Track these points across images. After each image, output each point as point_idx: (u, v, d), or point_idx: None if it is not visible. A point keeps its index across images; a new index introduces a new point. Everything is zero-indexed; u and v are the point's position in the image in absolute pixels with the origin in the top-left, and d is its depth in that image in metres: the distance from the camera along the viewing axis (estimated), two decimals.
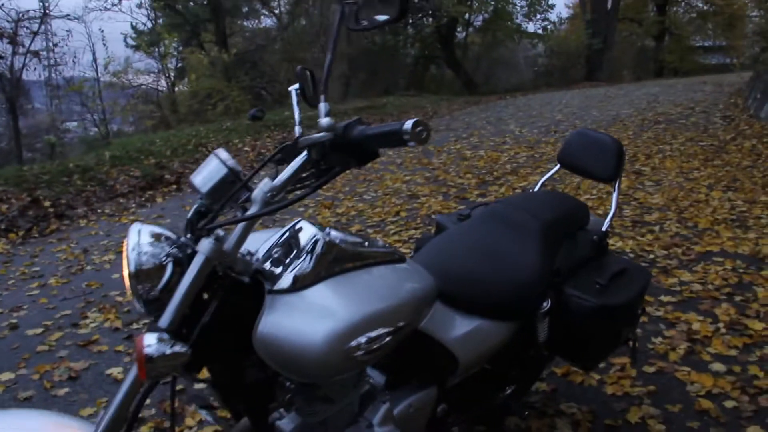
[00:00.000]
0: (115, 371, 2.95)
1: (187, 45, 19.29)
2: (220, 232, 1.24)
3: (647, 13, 26.96)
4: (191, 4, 21.60)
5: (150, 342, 1.10)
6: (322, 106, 1.27)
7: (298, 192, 1.29)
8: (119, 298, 3.84)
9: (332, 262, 1.35)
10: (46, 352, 3.21)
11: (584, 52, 23.17)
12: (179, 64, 20.61)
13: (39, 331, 3.45)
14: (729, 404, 2.42)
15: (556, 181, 6.01)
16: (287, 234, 1.39)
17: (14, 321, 3.59)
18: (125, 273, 1.22)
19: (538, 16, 23.41)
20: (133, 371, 1.18)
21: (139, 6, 22.53)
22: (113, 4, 19.36)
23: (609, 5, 23.76)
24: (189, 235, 1.29)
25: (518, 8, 23.07)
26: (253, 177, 1.32)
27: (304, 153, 1.25)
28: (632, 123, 9.76)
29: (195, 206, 1.32)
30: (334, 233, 1.36)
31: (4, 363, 3.10)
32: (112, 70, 16.56)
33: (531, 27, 23.71)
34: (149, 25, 21.85)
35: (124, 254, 1.22)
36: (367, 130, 1.18)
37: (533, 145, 8.52)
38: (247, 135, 10.55)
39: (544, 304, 1.84)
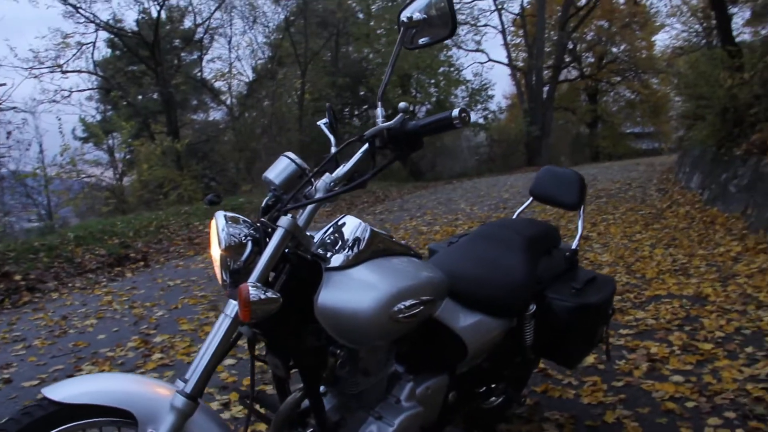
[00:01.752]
0: None
1: (138, 136, 19.54)
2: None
3: (580, 103, 28.80)
4: (140, 97, 22.11)
5: (251, 290, 1.36)
6: (379, 111, 1.61)
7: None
8: (110, 354, 3.97)
9: (372, 249, 1.65)
10: None
11: (523, 140, 24.36)
12: (128, 156, 20.76)
13: (35, 383, 3.53)
14: (690, 404, 2.75)
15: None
16: (335, 227, 1.69)
17: (6, 376, 3.66)
18: (214, 250, 1.51)
19: (479, 106, 24.44)
20: (224, 323, 1.44)
21: (89, 98, 22.94)
22: (63, 97, 19.70)
23: (544, 95, 25.29)
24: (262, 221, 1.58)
25: (460, 99, 24.13)
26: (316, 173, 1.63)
27: (365, 146, 1.58)
28: None
29: (266, 198, 1.62)
30: (372, 227, 1.68)
31: (5, 411, 3.17)
32: (66, 159, 16.57)
33: (473, 117, 24.71)
34: (98, 117, 22.19)
35: (213, 234, 1.51)
36: (419, 121, 1.52)
37: (485, 220, 8.98)
38: (207, 218, 10.78)
39: (531, 307, 2.18)
